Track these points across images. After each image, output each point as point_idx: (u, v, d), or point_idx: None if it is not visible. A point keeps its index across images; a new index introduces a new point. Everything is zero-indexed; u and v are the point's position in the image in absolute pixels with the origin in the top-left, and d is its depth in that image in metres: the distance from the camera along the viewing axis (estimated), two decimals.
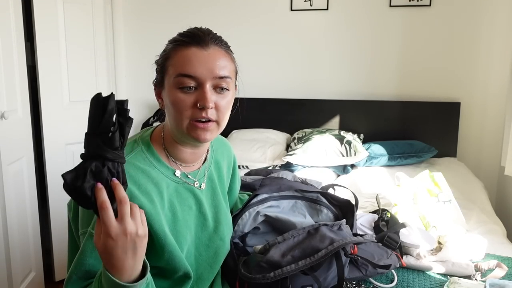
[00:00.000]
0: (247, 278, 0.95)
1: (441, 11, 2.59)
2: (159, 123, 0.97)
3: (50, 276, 2.33)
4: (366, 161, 2.33)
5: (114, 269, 0.68)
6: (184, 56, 0.83)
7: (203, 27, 0.89)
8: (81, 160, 0.68)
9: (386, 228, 1.26)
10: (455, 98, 2.62)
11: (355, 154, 2.27)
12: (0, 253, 1.81)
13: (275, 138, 2.61)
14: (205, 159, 0.99)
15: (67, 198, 0.94)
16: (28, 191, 2.07)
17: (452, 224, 1.41)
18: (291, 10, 2.78)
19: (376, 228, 1.29)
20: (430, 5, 2.59)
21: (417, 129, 2.62)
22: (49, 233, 2.36)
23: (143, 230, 0.69)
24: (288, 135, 2.72)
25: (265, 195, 1.16)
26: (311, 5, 2.74)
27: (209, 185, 0.99)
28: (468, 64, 2.59)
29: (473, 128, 2.63)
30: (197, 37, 0.84)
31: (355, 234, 1.11)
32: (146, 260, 0.74)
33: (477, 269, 1.18)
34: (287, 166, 2.27)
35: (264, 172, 1.42)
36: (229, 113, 0.89)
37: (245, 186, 1.29)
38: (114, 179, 0.68)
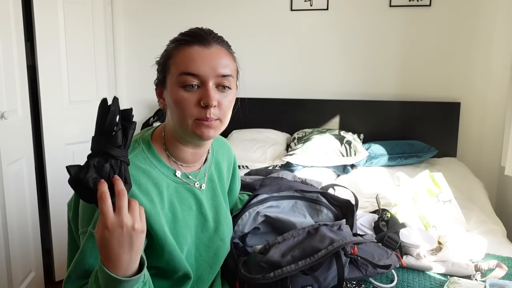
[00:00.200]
0: (247, 278, 0.95)
1: (441, 11, 2.59)
2: (159, 123, 0.97)
3: (50, 276, 2.33)
4: (366, 161, 2.33)
5: (110, 263, 0.68)
6: (186, 54, 0.83)
7: (205, 27, 0.89)
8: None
9: (386, 228, 1.26)
10: (455, 98, 2.62)
11: (355, 154, 2.27)
12: (0, 253, 1.81)
13: (275, 138, 2.61)
14: (206, 159, 0.99)
15: (67, 198, 0.95)
16: (28, 191, 2.07)
17: (452, 224, 1.41)
18: (291, 10, 2.78)
19: (376, 228, 1.29)
20: (430, 5, 2.59)
21: (417, 129, 2.62)
22: (49, 233, 2.36)
23: (140, 225, 0.69)
24: (288, 135, 2.72)
25: (265, 195, 1.16)
26: (311, 5, 2.74)
27: (209, 185, 0.99)
28: (468, 64, 2.59)
29: (473, 128, 2.63)
30: (200, 36, 0.84)
31: (355, 234, 1.11)
32: (144, 258, 0.74)
33: (477, 269, 1.18)
34: (287, 166, 2.27)
35: (264, 172, 1.42)
36: (231, 111, 0.90)
37: (245, 186, 1.29)
38: (116, 175, 0.70)
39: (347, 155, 2.27)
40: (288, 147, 2.55)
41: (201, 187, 0.96)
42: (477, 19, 2.54)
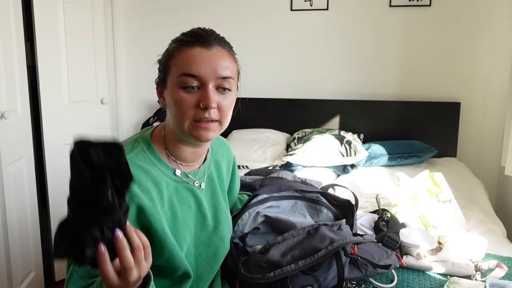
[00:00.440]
0: (247, 278, 0.95)
1: (441, 11, 2.59)
2: (159, 123, 0.98)
3: (50, 276, 2.33)
4: (366, 161, 2.33)
5: None
6: (187, 55, 0.83)
7: (207, 27, 0.89)
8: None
9: (386, 228, 1.27)
10: (455, 98, 2.62)
11: (355, 154, 2.27)
12: (0, 253, 1.81)
13: (275, 138, 2.61)
14: (205, 158, 0.99)
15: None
16: (28, 191, 2.07)
17: (452, 224, 1.41)
18: (291, 10, 2.78)
19: (376, 228, 1.29)
20: (430, 5, 2.59)
21: (417, 129, 2.62)
22: (49, 233, 2.36)
23: (147, 268, 0.65)
24: (288, 135, 2.72)
25: (265, 195, 1.16)
26: (311, 5, 2.74)
27: (209, 184, 0.99)
28: (468, 64, 2.59)
29: (473, 128, 2.63)
30: (201, 37, 0.84)
31: (355, 234, 1.11)
32: (151, 272, 0.71)
33: (477, 269, 1.18)
34: (287, 166, 2.27)
35: (264, 172, 1.42)
36: (231, 113, 0.90)
37: (245, 186, 1.29)
38: (118, 235, 0.59)
39: (347, 155, 2.27)
40: (288, 147, 2.55)
41: (200, 186, 0.96)
42: (477, 19, 2.54)
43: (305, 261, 0.93)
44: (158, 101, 0.92)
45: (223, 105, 0.85)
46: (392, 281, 1.13)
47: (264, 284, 0.94)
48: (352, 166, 2.35)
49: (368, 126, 2.67)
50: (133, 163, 0.84)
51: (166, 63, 0.87)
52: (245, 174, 1.45)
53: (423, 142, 2.45)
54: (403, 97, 2.69)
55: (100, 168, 0.54)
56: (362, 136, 2.57)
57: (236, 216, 1.11)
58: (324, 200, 1.21)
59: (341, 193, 1.30)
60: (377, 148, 2.36)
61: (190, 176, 0.94)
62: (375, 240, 1.15)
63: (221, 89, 0.85)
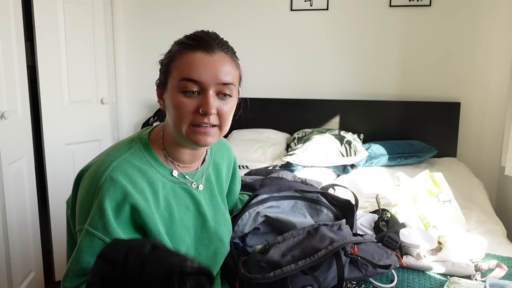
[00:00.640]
0: (247, 278, 0.95)
1: (441, 11, 2.59)
2: (159, 123, 0.97)
3: (50, 276, 2.33)
4: (366, 161, 2.33)
5: None
6: (189, 60, 0.83)
7: (210, 30, 0.88)
8: None
9: (386, 228, 1.26)
10: (455, 98, 2.62)
11: (355, 154, 2.27)
12: (0, 253, 1.81)
13: (275, 138, 2.61)
14: (204, 160, 0.99)
15: (67, 197, 0.95)
16: (28, 191, 2.07)
17: (452, 224, 1.41)
18: (291, 10, 2.78)
19: (376, 228, 1.29)
20: (430, 5, 2.59)
21: (417, 129, 2.62)
22: (49, 233, 2.36)
23: None
24: (288, 135, 2.72)
25: (265, 196, 1.15)
26: (311, 5, 2.74)
27: (206, 186, 0.99)
28: (468, 64, 2.59)
29: (473, 128, 2.63)
30: (204, 42, 0.84)
31: (355, 234, 1.11)
32: None
33: (477, 269, 1.18)
34: (287, 166, 2.27)
35: (264, 172, 1.42)
36: (231, 118, 0.89)
37: (245, 186, 1.29)
38: None
39: (347, 155, 2.27)
40: (288, 147, 2.55)
41: (198, 188, 0.95)
42: (477, 19, 2.54)
43: (305, 261, 0.93)
44: (159, 102, 0.92)
45: (223, 111, 0.85)
46: (392, 281, 1.13)
47: (264, 284, 0.94)
48: (352, 166, 2.35)
49: (368, 126, 2.67)
50: (129, 163, 0.84)
51: (167, 65, 0.87)
52: (245, 174, 1.45)
53: (423, 142, 2.45)
54: (403, 97, 2.69)
55: None
56: (362, 136, 2.57)
57: (236, 216, 1.11)
58: (324, 200, 1.21)
59: (341, 193, 1.30)
60: (377, 148, 2.36)
61: (187, 177, 0.94)
62: (375, 240, 1.15)
63: (221, 94, 0.85)
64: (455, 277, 1.11)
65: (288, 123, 2.77)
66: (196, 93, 0.83)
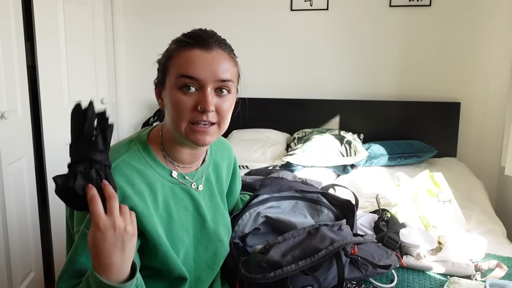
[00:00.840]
0: (247, 278, 0.95)
1: (441, 11, 2.59)
2: (159, 123, 0.97)
3: (50, 276, 2.33)
4: (366, 161, 2.33)
5: (101, 267, 0.68)
6: (187, 57, 0.83)
7: (208, 28, 0.88)
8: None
9: (386, 228, 1.27)
10: (455, 98, 2.62)
11: (355, 154, 2.27)
12: (0, 253, 1.81)
13: (275, 138, 2.61)
14: (204, 160, 0.99)
15: None
16: (28, 191, 2.06)
17: (452, 224, 1.41)
18: (291, 10, 2.78)
19: (376, 228, 1.29)
20: (430, 5, 2.59)
21: (417, 129, 2.62)
22: (49, 233, 2.36)
23: (132, 228, 0.70)
24: (288, 135, 2.72)
25: (265, 196, 1.15)
26: (311, 5, 2.74)
27: (206, 186, 0.98)
28: (468, 64, 2.60)
29: (473, 128, 2.63)
30: (201, 39, 0.84)
31: (355, 234, 1.11)
32: (136, 262, 0.74)
33: (477, 269, 1.18)
34: (287, 166, 2.27)
35: (264, 172, 1.42)
36: (230, 116, 0.89)
37: (245, 186, 1.29)
38: (104, 180, 0.70)
39: (347, 155, 2.27)
40: (288, 147, 2.55)
41: (197, 188, 0.95)
42: (477, 19, 2.54)
43: (305, 261, 0.93)
44: (158, 101, 0.92)
45: (222, 108, 0.85)
46: (392, 281, 1.13)
47: (264, 284, 0.94)
48: (352, 166, 2.35)
49: (368, 126, 2.67)
50: (128, 164, 0.84)
51: (165, 64, 0.87)
52: (245, 174, 1.45)
53: (423, 142, 2.45)
54: (403, 97, 2.69)
55: (90, 105, 0.69)
56: (362, 136, 2.57)
57: (236, 216, 1.11)
58: (324, 200, 1.21)
59: (341, 193, 1.30)
60: (377, 148, 2.36)
61: (187, 177, 0.93)
62: (375, 240, 1.15)
63: (219, 91, 0.84)
64: (455, 277, 1.11)
65: (288, 123, 2.77)
66: (194, 90, 0.83)
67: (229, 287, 1.07)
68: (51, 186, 2.32)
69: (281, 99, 2.82)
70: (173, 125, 0.85)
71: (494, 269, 1.18)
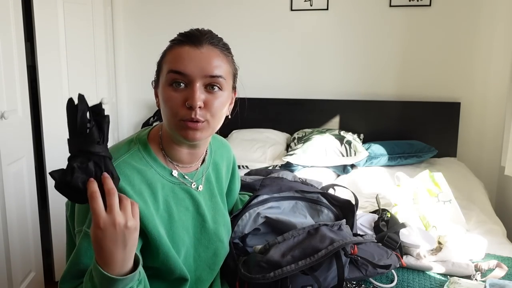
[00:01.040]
0: (247, 278, 0.95)
1: (441, 11, 2.59)
2: (158, 123, 0.97)
3: (50, 276, 2.33)
4: (366, 161, 2.33)
5: (104, 262, 0.68)
6: (176, 53, 0.83)
7: (205, 28, 0.88)
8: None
9: (386, 228, 1.27)
10: (455, 98, 2.62)
11: (355, 154, 2.27)
12: (0, 253, 1.81)
13: (275, 138, 2.61)
14: (204, 160, 0.99)
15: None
16: (28, 191, 2.07)
17: (452, 224, 1.41)
18: (291, 10, 2.78)
19: (376, 228, 1.29)
20: (430, 5, 2.59)
21: (417, 129, 2.62)
22: (49, 233, 2.36)
23: (133, 223, 0.69)
24: (288, 135, 2.72)
25: (265, 196, 1.15)
26: (311, 5, 2.74)
27: (206, 186, 0.98)
28: (468, 64, 2.59)
29: (473, 128, 2.63)
30: (193, 37, 0.84)
31: (355, 234, 1.11)
32: (139, 255, 0.74)
33: (477, 269, 1.18)
34: (287, 166, 2.27)
35: (264, 172, 1.42)
36: (222, 114, 0.88)
37: (245, 186, 1.29)
38: (105, 173, 0.70)
39: (347, 155, 2.27)
40: (288, 147, 2.55)
41: (197, 188, 0.95)
42: (477, 19, 2.54)
43: (305, 261, 0.93)
44: (156, 101, 0.92)
45: (212, 105, 0.83)
46: (392, 281, 1.13)
47: (264, 284, 0.94)
48: (352, 166, 2.35)
49: (368, 126, 2.67)
50: (128, 165, 0.84)
51: (160, 62, 0.88)
52: (245, 174, 1.45)
53: (423, 142, 2.45)
54: (403, 97, 2.69)
55: (81, 99, 0.68)
56: (362, 136, 2.57)
57: (236, 217, 1.11)
58: (324, 200, 1.21)
59: (341, 193, 1.30)
60: (377, 148, 2.36)
61: (187, 177, 0.93)
62: (375, 240, 1.15)
63: (210, 88, 0.84)
64: (455, 277, 1.11)
65: (288, 123, 2.77)
66: (183, 85, 0.83)
67: (229, 287, 1.07)
68: (51, 186, 2.32)
69: (281, 99, 2.82)
70: (166, 121, 0.86)
71: (494, 269, 1.18)
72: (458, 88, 2.62)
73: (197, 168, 0.96)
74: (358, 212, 1.35)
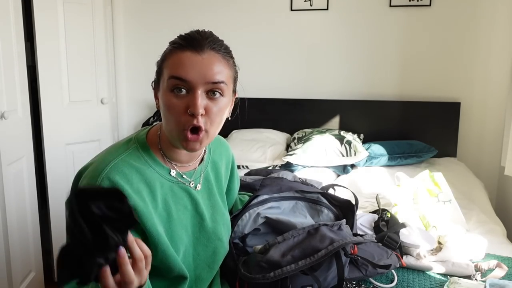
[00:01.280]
0: (247, 278, 0.95)
1: (441, 11, 2.59)
2: (157, 123, 0.97)
3: (50, 276, 2.33)
4: (366, 161, 2.33)
5: None
6: (178, 59, 0.83)
7: (206, 30, 0.88)
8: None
9: (386, 228, 1.27)
10: (455, 98, 2.62)
11: (355, 154, 2.27)
12: (0, 253, 1.81)
13: (275, 138, 2.61)
14: (202, 159, 0.99)
15: (66, 198, 0.95)
16: (28, 191, 2.07)
17: (452, 224, 1.41)
18: (291, 10, 2.78)
19: (376, 228, 1.29)
20: (430, 5, 2.59)
21: (417, 129, 2.62)
22: (49, 233, 2.36)
23: (145, 276, 0.66)
24: (288, 135, 2.72)
25: (265, 196, 1.15)
26: (311, 5, 2.74)
27: (205, 185, 0.98)
28: (468, 64, 2.59)
29: (473, 128, 2.63)
30: (194, 41, 0.83)
31: (355, 234, 1.11)
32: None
33: (477, 269, 1.18)
34: (287, 166, 2.27)
35: (264, 172, 1.42)
36: (222, 119, 0.88)
37: (245, 186, 1.29)
38: (120, 252, 0.60)
39: (347, 155, 2.27)
40: (288, 147, 2.55)
41: (196, 187, 0.95)
42: (477, 19, 2.54)
43: (305, 261, 0.93)
44: (155, 102, 0.92)
45: (212, 111, 0.84)
46: (392, 281, 1.13)
47: (264, 284, 0.94)
48: (352, 166, 2.35)
49: (368, 126, 2.67)
50: (127, 163, 0.84)
51: (160, 65, 0.88)
52: (245, 174, 1.45)
53: (423, 142, 2.45)
54: (403, 97, 2.69)
55: (99, 222, 0.55)
56: (362, 136, 2.57)
57: (236, 217, 1.11)
58: (324, 200, 1.21)
59: (341, 193, 1.30)
60: (377, 148, 2.36)
61: (185, 176, 0.93)
62: (375, 240, 1.15)
63: (212, 94, 0.84)
64: (455, 277, 1.11)
65: (288, 123, 2.77)
66: (185, 92, 0.82)
67: (229, 287, 1.07)
68: (51, 186, 2.32)
69: (281, 99, 2.82)
70: (166, 127, 0.86)
71: (494, 269, 1.18)
72: (458, 88, 2.62)
73: (196, 168, 0.96)
74: (358, 212, 1.35)
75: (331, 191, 1.30)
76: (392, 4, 2.63)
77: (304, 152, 2.26)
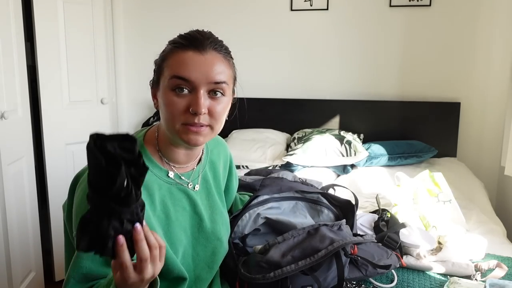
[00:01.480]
0: (247, 278, 0.95)
1: (441, 11, 2.59)
2: (156, 124, 0.97)
3: (50, 276, 2.33)
4: (366, 161, 2.33)
5: None
6: (180, 58, 0.83)
7: (205, 30, 0.88)
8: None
9: (386, 228, 1.27)
10: (455, 98, 2.62)
11: (355, 154, 2.27)
12: (0, 253, 1.81)
13: (275, 138, 2.61)
14: (200, 160, 0.99)
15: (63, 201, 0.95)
16: (28, 191, 2.07)
17: (452, 224, 1.41)
18: (291, 10, 2.78)
19: (376, 228, 1.29)
20: (430, 5, 2.59)
21: (417, 129, 2.62)
22: (49, 233, 2.36)
23: (159, 269, 0.68)
24: (288, 135, 2.72)
25: (265, 196, 1.15)
26: (311, 5, 2.74)
27: (203, 186, 0.98)
28: (468, 64, 2.59)
29: (473, 128, 2.63)
30: (196, 41, 0.83)
31: (355, 234, 1.11)
32: (158, 278, 0.73)
33: (477, 269, 1.18)
34: (287, 166, 2.27)
35: (264, 172, 1.42)
36: (223, 118, 0.89)
37: (245, 186, 1.29)
38: (136, 227, 0.62)
39: (347, 155, 2.27)
40: (288, 147, 2.55)
41: (194, 188, 0.95)
42: (477, 19, 2.54)
43: (305, 261, 0.93)
44: (153, 101, 0.92)
45: (215, 111, 0.84)
46: (392, 281, 1.13)
47: (264, 284, 0.94)
48: (352, 166, 2.35)
49: (368, 126, 2.67)
50: None
51: (160, 64, 0.87)
52: (245, 174, 1.45)
53: (423, 142, 2.45)
54: (403, 97, 2.69)
55: (115, 156, 0.57)
56: (362, 136, 2.57)
57: (236, 217, 1.10)
58: (324, 200, 1.21)
59: (341, 193, 1.30)
60: (377, 148, 2.36)
61: (183, 177, 0.93)
62: (375, 240, 1.15)
63: (213, 93, 0.84)
64: (455, 277, 1.11)
65: (288, 123, 2.77)
66: (187, 92, 0.83)
67: (229, 287, 1.07)
68: (51, 186, 2.32)
69: (281, 99, 2.82)
70: (167, 125, 0.86)
71: (494, 269, 1.18)
72: (458, 88, 2.62)
73: (193, 168, 0.96)
74: (358, 212, 1.35)
75: (331, 191, 1.30)
76: (392, 4, 2.63)
77: (304, 152, 2.26)
